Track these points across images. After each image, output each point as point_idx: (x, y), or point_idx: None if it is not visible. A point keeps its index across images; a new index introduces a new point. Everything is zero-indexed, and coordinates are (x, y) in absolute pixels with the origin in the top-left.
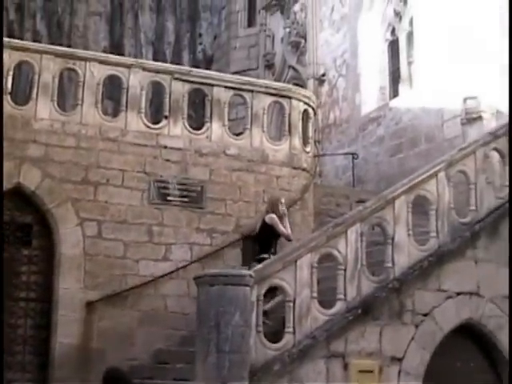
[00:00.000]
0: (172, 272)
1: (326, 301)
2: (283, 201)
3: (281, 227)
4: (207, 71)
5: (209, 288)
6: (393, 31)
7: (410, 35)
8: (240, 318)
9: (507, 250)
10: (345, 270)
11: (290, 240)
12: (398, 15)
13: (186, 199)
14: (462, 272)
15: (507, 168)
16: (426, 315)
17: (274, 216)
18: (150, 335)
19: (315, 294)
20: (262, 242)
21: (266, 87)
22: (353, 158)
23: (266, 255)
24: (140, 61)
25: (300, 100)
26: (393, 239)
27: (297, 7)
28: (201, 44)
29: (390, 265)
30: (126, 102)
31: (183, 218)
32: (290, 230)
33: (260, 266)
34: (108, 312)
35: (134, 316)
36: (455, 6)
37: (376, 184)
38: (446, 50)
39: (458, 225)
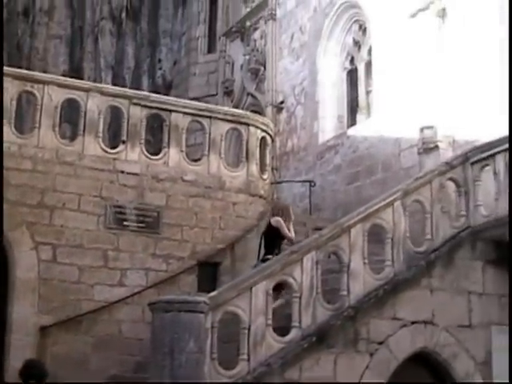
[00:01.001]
0: (127, 297)
1: (281, 328)
2: (291, 209)
3: (285, 230)
4: (166, 97)
5: (163, 314)
6: (352, 60)
7: (368, 65)
8: (194, 344)
9: (462, 279)
10: (300, 297)
11: (293, 243)
12: (357, 44)
13: (142, 224)
14: (417, 301)
15: (463, 198)
16: (380, 343)
17: (279, 219)
18: (104, 361)
19: (270, 322)
20: (267, 243)
21: (224, 114)
22: (310, 185)
23: (270, 256)
24: (98, 85)
25: (258, 127)
26: (348, 267)
27: (257, 35)
28: (160, 69)
29: (345, 293)
30: (84, 126)
31: (139, 244)
32: (293, 234)
33: (215, 292)
34: (62, 337)
35: (88, 341)
36: (413, 37)
37: (333, 212)
38: (404, 79)
39: (414, 253)
